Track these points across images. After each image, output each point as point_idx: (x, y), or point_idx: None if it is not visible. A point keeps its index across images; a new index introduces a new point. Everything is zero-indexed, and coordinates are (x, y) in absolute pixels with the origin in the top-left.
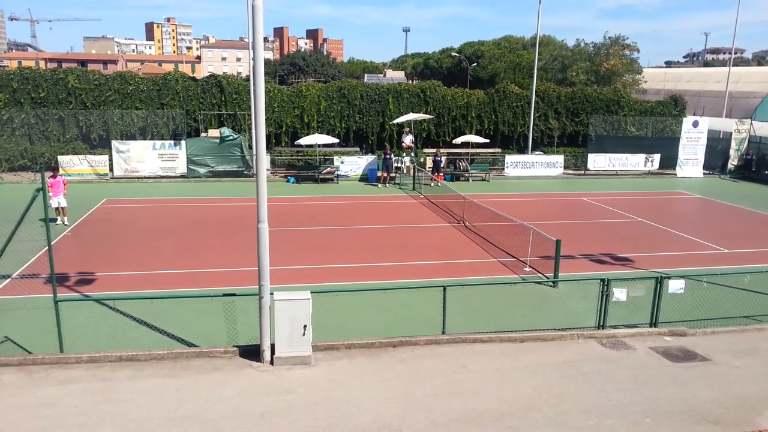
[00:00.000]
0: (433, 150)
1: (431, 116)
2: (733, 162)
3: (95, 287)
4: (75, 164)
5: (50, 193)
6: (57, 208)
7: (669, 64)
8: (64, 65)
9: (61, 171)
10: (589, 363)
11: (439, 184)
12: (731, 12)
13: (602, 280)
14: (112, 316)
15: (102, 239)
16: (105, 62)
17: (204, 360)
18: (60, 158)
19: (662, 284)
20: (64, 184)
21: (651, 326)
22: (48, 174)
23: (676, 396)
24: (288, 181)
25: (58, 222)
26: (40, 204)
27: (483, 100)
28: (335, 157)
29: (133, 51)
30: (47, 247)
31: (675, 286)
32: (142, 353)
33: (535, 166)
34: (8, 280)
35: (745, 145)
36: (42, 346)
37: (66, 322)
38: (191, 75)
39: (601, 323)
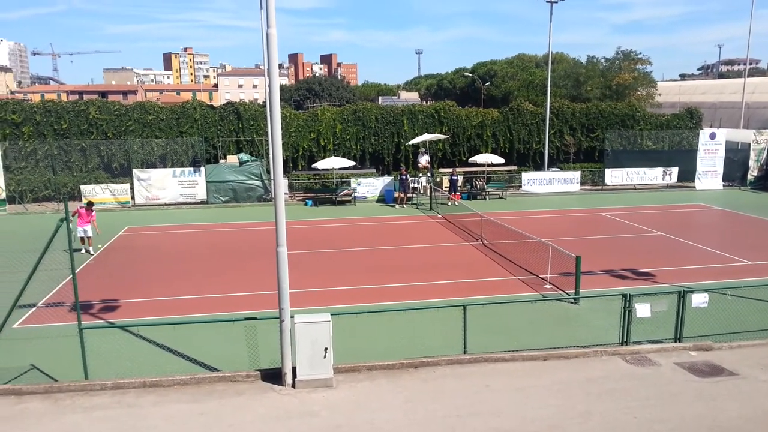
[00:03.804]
0: (450, 169)
1: (446, 136)
2: (752, 173)
3: (119, 314)
4: (97, 193)
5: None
6: (83, 237)
7: (683, 77)
8: (86, 97)
9: (84, 200)
10: (613, 380)
11: (456, 203)
12: (744, 23)
13: (624, 295)
14: (136, 342)
15: (125, 266)
16: (125, 93)
17: (227, 384)
18: (83, 188)
19: (685, 298)
20: (93, 219)
21: (675, 341)
22: (82, 205)
23: (703, 412)
24: (306, 205)
25: (83, 251)
26: (63, 233)
27: (497, 118)
28: (352, 180)
29: (152, 81)
30: (71, 276)
31: (698, 299)
32: (165, 379)
33: (552, 183)
34: (34, 308)
35: (765, 155)
36: (67, 373)
37: (90, 349)
38: (209, 103)
39: (625, 339)
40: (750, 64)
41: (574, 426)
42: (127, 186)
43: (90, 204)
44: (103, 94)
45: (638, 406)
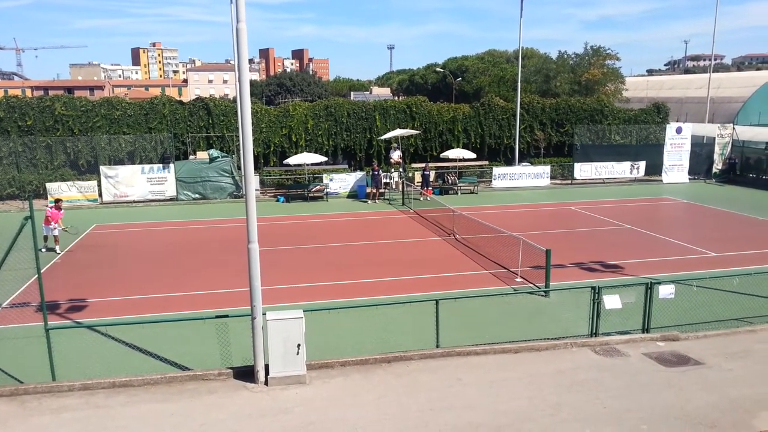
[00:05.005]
0: (422, 165)
1: (418, 132)
2: (717, 166)
3: (87, 314)
4: (64, 191)
5: (52, 223)
6: (46, 236)
7: (651, 72)
8: (51, 92)
9: (50, 198)
10: (583, 371)
11: (429, 198)
12: (709, 19)
13: (593, 288)
14: (105, 342)
15: (93, 265)
16: (91, 88)
17: (198, 383)
18: (48, 185)
19: (652, 290)
20: (61, 216)
21: (643, 332)
22: (50, 204)
23: (671, 401)
24: (278, 201)
25: (43, 250)
26: (28, 232)
27: (469, 114)
28: (324, 175)
29: (120, 76)
30: (37, 275)
31: (665, 291)
32: (135, 378)
33: (523, 177)
34: None
35: (729, 149)
36: (34, 375)
37: (58, 350)
38: (178, 98)
39: (594, 331)
40: (715, 59)
41: (546, 418)
42: (94, 183)
43: (57, 201)
44: (69, 89)
45: (608, 397)
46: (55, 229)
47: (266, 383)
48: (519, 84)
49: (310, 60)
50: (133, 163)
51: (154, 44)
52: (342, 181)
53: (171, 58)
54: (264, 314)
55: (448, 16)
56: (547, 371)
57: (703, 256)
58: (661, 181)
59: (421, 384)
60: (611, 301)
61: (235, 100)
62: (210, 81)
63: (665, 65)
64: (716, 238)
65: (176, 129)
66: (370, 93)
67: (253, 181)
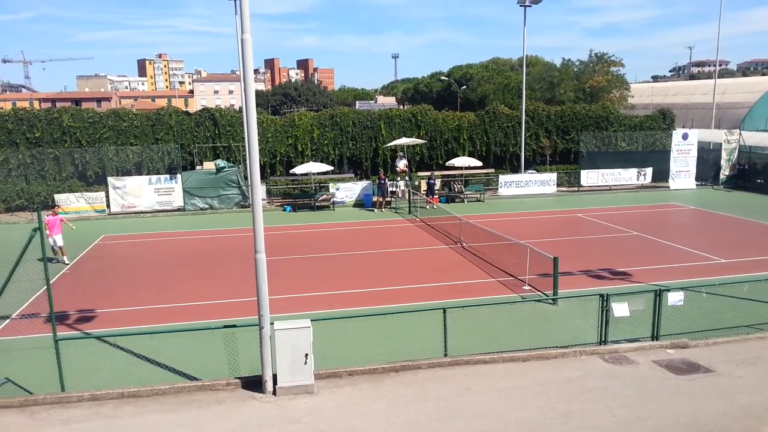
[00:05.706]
0: (428, 173)
1: (423, 141)
2: (724, 172)
3: (95, 324)
4: (72, 202)
5: (47, 232)
6: (53, 248)
7: (656, 78)
8: (58, 104)
9: (58, 209)
10: (593, 379)
11: (435, 207)
12: (713, 25)
13: (601, 295)
14: (113, 352)
15: (101, 276)
16: (98, 100)
17: (206, 393)
18: (57, 197)
19: (661, 297)
20: (62, 221)
21: (653, 339)
22: (47, 213)
23: (681, 409)
24: (284, 210)
25: (55, 261)
26: (37, 243)
27: (474, 122)
28: (330, 184)
29: (126, 87)
30: (46, 286)
31: (674, 298)
32: (144, 389)
33: (529, 185)
34: (8, 320)
35: (736, 154)
36: (43, 386)
37: (67, 361)
38: (184, 109)
39: (603, 339)
40: (720, 65)
41: (556, 426)
42: (102, 194)
43: (54, 207)
44: (77, 101)
45: (618, 405)
46: (57, 240)
47: (274, 393)
48: (524, 91)
49: (315, 70)
50: (141, 174)
51: (159, 55)
52: (348, 190)
53: (177, 69)
54: (272, 324)
55: (451, 24)
56: (556, 379)
57: (712, 263)
58: (668, 187)
59: (429, 393)
60: (620, 309)
61: (241, 111)
62: (216, 91)
63: (670, 71)
64: (725, 245)
65: (183, 140)
66: (375, 102)
67: (259, 190)
